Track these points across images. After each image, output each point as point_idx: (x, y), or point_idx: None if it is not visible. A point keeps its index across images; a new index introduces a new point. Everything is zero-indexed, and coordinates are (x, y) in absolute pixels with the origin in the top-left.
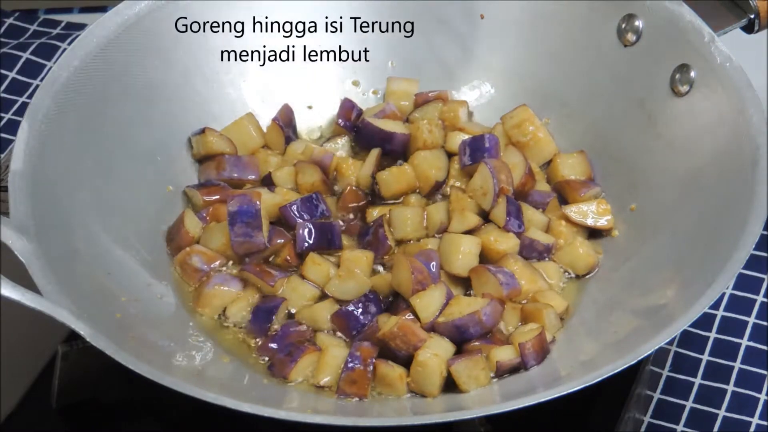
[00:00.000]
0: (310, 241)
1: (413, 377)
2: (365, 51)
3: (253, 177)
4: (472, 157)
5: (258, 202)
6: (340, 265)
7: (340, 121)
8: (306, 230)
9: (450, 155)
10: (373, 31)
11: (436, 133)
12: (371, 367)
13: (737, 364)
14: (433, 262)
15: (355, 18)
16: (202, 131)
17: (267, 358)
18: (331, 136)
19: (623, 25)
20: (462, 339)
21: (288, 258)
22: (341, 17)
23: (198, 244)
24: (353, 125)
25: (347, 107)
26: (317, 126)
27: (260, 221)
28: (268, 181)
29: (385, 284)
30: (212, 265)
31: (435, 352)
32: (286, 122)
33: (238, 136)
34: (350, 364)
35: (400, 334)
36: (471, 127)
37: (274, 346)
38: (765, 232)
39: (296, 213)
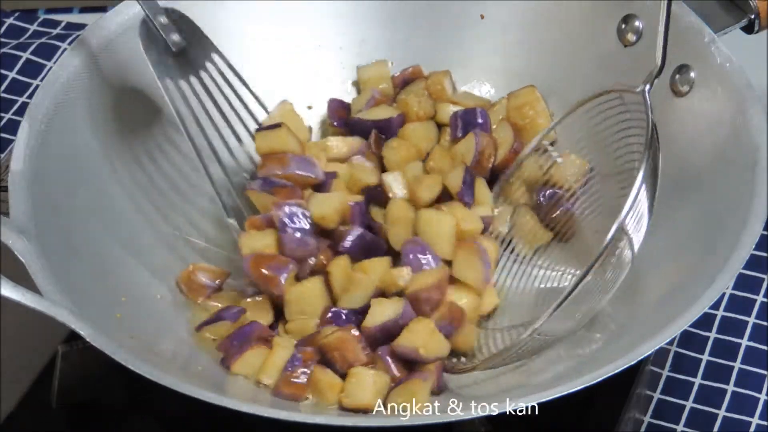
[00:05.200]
0: (354, 247)
1: (347, 390)
2: (365, 51)
3: (314, 175)
4: (464, 130)
5: (309, 209)
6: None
7: (335, 122)
8: (356, 235)
9: (440, 127)
10: (373, 30)
11: (426, 105)
12: (309, 370)
13: (737, 364)
14: (429, 255)
15: (355, 18)
16: (279, 126)
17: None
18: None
19: (623, 25)
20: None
21: (324, 260)
22: (342, 17)
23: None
24: (347, 122)
25: (337, 106)
26: (317, 126)
27: (313, 226)
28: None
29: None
30: (216, 282)
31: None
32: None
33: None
34: (290, 366)
35: (338, 346)
36: (464, 100)
37: (233, 341)
38: (765, 232)
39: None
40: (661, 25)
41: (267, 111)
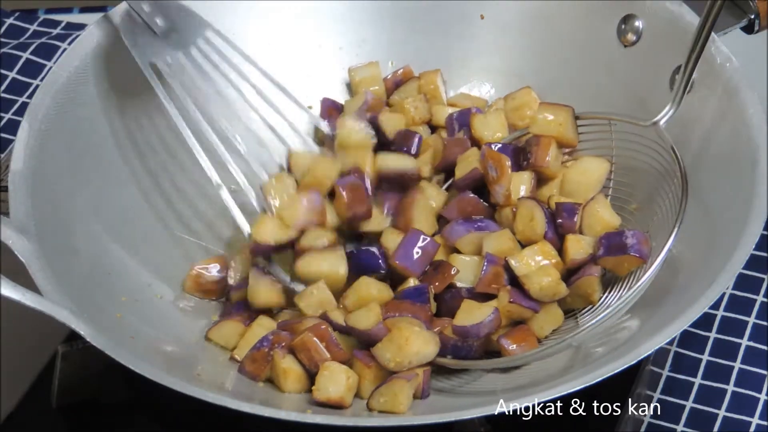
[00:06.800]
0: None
1: (318, 383)
2: (365, 51)
3: None
4: (460, 131)
5: None
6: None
7: (327, 122)
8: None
9: (434, 129)
10: (373, 30)
11: (422, 110)
12: (273, 353)
13: (737, 364)
14: None
15: (356, 18)
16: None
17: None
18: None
19: (623, 25)
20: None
21: None
22: (342, 18)
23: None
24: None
25: (329, 106)
26: (311, 126)
27: None
28: None
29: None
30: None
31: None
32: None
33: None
34: (259, 344)
35: (303, 347)
36: (459, 101)
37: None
38: (765, 232)
39: None
40: (684, 76)
41: (277, 84)
